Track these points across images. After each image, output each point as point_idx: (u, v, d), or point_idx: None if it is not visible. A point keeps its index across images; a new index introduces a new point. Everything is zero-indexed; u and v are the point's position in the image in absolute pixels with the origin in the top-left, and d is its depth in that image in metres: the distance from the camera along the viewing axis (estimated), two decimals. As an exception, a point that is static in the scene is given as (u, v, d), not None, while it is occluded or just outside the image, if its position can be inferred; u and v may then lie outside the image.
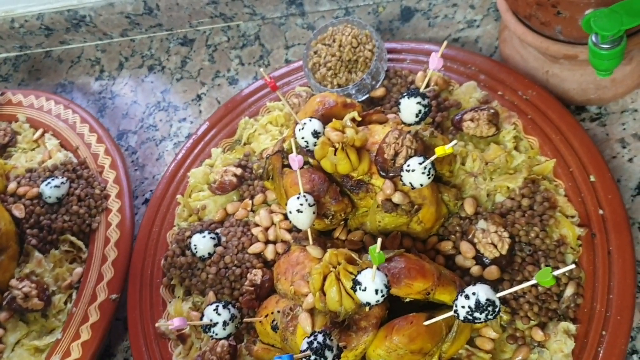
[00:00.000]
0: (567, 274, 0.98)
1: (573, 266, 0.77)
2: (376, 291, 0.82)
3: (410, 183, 0.94)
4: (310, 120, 1.00)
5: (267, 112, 1.31)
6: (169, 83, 1.60)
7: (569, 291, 0.97)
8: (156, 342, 1.13)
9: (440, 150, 0.84)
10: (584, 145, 1.08)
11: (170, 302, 1.17)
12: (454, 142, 0.85)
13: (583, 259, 1.01)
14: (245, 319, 0.90)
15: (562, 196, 1.05)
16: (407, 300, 0.94)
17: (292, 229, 1.12)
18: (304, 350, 0.80)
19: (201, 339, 1.10)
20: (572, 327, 0.95)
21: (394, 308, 0.93)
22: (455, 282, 0.94)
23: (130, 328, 1.17)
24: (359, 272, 0.85)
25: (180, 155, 1.32)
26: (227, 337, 0.89)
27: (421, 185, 0.94)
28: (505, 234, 0.99)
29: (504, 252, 0.98)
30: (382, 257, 0.76)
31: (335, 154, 0.96)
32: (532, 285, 0.96)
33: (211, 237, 1.12)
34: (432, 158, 0.91)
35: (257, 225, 1.15)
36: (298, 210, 0.95)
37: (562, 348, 0.93)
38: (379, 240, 0.75)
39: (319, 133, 1.00)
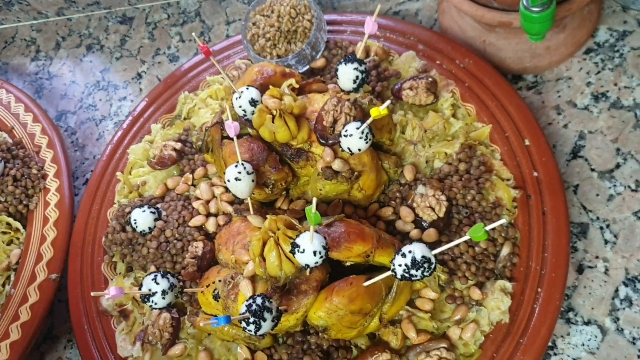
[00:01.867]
0: (503, 234, 1.00)
1: (504, 221, 0.78)
2: (314, 253, 0.82)
3: (349, 148, 0.95)
4: (247, 88, 1.00)
5: (207, 86, 1.30)
6: (108, 62, 1.56)
7: (505, 251, 0.99)
8: (98, 320, 1.12)
9: (375, 112, 0.84)
10: (519, 110, 1.10)
11: (112, 279, 1.15)
12: (388, 102, 0.85)
13: (518, 219, 1.03)
14: (186, 289, 0.89)
15: (497, 160, 1.07)
16: (348, 264, 0.95)
17: (234, 202, 1.11)
18: (243, 313, 0.80)
19: (144, 313, 1.09)
20: (509, 285, 0.97)
21: (335, 273, 0.94)
22: (394, 245, 0.95)
23: (71, 307, 1.15)
24: (297, 236, 0.85)
25: (120, 132, 1.30)
26: (166, 307, 0.88)
27: (359, 150, 0.94)
28: (443, 198, 1.01)
29: (441, 215, 1.00)
30: (318, 218, 0.76)
31: (273, 122, 0.95)
32: (470, 246, 0.98)
33: (151, 212, 1.10)
34: (369, 121, 0.91)
35: (197, 198, 1.13)
36: (236, 179, 0.94)
37: (499, 305, 0.96)
38: (314, 199, 0.75)
39: (257, 101, 0.99)
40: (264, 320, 0.80)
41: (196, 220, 1.09)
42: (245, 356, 0.99)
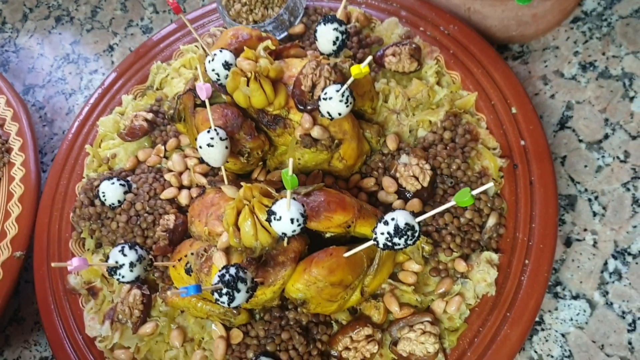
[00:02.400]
0: (489, 204, 0.96)
1: (491, 184, 0.74)
2: (292, 220, 0.77)
3: (329, 113, 0.90)
4: (220, 51, 0.94)
5: (181, 56, 1.24)
6: (78, 34, 1.49)
7: (491, 221, 0.95)
8: (66, 299, 1.06)
9: (355, 69, 0.79)
10: (505, 78, 1.06)
11: (80, 256, 1.09)
12: (369, 58, 0.80)
13: (505, 189, 0.99)
14: (156, 263, 0.84)
15: (483, 129, 1.03)
16: (328, 235, 0.90)
17: (208, 174, 1.06)
18: (216, 284, 0.75)
19: (113, 291, 1.03)
20: (495, 257, 0.93)
21: (314, 246, 0.89)
22: (376, 216, 0.90)
23: (37, 286, 1.09)
24: (274, 204, 0.80)
25: (89, 105, 1.24)
26: (135, 281, 0.83)
27: (340, 114, 0.89)
28: (427, 167, 0.96)
29: (425, 185, 0.95)
30: (295, 181, 0.71)
31: (248, 85, 0.90)
32: (454, 217, 0.94)
33: (120, 184, 1.04)
34: (349, 81, 0.86)
35: (170, 170, 1.08)
36: (209, 145, 0.89)
37: (485, 277, 0.92)
38: (290, 160, 0.69)
39: (231, 64, 0.94)
40: (238, 291, 0.75)
41: (168, 193, 1.04)
42: (220, 333, 0.94)
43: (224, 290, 0.74)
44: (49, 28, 1.52)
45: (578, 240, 1.03)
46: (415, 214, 0.79)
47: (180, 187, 1.05)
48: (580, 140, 1.10)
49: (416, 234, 0.78)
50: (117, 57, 1.43)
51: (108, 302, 1.03)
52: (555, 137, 1.12)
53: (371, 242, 0.81)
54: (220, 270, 0.76)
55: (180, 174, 1.06)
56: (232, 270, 0.76)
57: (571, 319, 0.98)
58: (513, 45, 1.22)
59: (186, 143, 1.10)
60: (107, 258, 0.85)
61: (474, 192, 0.72)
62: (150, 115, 1.12)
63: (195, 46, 1.22)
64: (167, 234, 0.97)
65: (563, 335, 0.98)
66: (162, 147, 1.11)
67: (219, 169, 1.06)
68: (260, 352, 0.90)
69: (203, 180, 1.04)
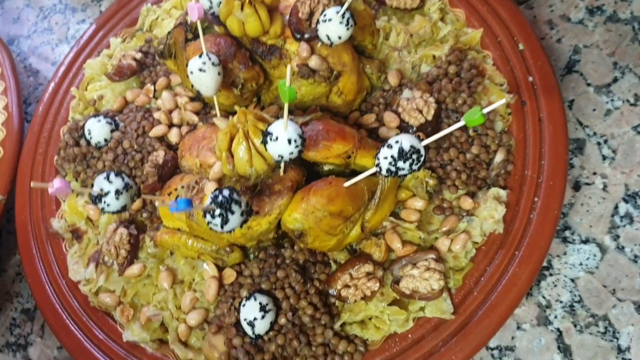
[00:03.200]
0: (496, 140, 0.91)
1: (504, 101, 0.69)
2: (289, 141, 0.72)
3: (328, 36, 0.84)
4: (213, -25, 0.89)
5: (171, -3, 1.18)
6: (66, -16, 1.44)
7: (499, 157, 0.90)
8: (48, 243, 1.01)
9: (358, -20, 0.74)
10: (511, 14, 1.01)
11: (64, 200, 1.04)
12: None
13: (513, 126, 0.94)
14: (144, 196, 0.78)
15: (490, 65, 0.98)
16: (327, 169, 0.85)
17: (200, 112, 1.00)
18: (209, 205, 0.70)
19: (98, 233, 0.98)
20: (503, 193, 0.89)
21: (312, 181, 0.84)
22: (377, 147, 0.85)
23: (18, 231, 1.04)
24: (269, 126, 0.75)
25: (76, 48, 1.18)
26: (121, 210, 0.77)
27: (339, 38, 0.84)
28: (431, 99, 0.91)
29: (429, 118, 0.90)
30: (293, 92, 0.65)
31: (242, 10, 0.85)
32: (460, 152, 0.90)
33: (107, 122, 0.99)
34: (350, 0, 0.81)
35: (159, 109, 1.02)
36: (200, 70, 0.83)
37: (493, 214, 0.87)
38: (288, 67, 0.64)
39: (224, -11, 0.88)
40: (232, 213, 0.70)
41: (157, 130, 0.98)
42: (212, 273, 0.89)
43: (217, 212, 0.69)
44: (35, -22, 1.46)
45: (587, 184, 0.99)
46: (420, 138, 0.74)
47: (170, 126, 1.00)
48: (589, 84, 1.06)
49: (421, 158, 0.73)
50: (106, 7, 1.37)
51: (93, 245, 0.98)
52: (563, 81, 1.07)
53: (374, 169, 0.76)
54: (212, 192, 0.71)
55: (170, 112, 1.01)
56: (226, 192, 0.70)
57: (581, 264, 0.94)
58: (518, -11, 1.17)
59: (177, 82, 1.05)
60: (91, 186, 0.79)
61: (485, 110, 0.68)
62: (139, 55, 1.07)
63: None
64: (156, 170, 0.92)
65: (572, 280, 0.93)
66: (152, 87, 1.06)
67: (211, 107, 1.01)
68: (255, 289, 0.85)
69: (194, 118, 0.98)
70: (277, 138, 0.72)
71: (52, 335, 1.07)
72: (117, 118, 1.01)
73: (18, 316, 1.10)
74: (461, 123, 0.70)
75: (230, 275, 0.88)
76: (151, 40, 1.11)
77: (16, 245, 1.13)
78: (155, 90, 1.05)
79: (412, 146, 0.72)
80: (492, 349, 0.92)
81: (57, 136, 1.09)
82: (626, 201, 0.96)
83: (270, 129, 0.73)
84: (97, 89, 1.10)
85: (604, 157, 1.00)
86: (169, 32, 0.98)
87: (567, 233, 0.96)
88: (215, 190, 0.71)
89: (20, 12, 1.41)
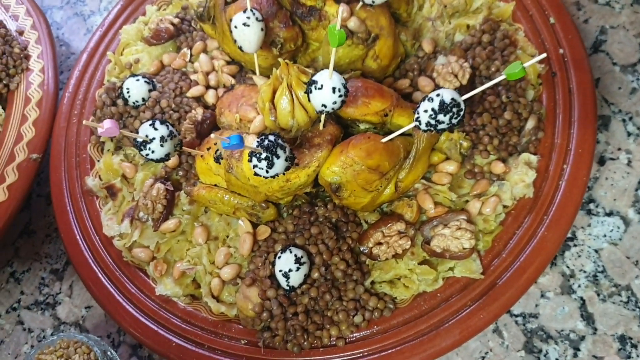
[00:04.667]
0: (527, 108, 0.93)
1: (544, 55, 0.71)
2: (333, 90, 0.74)
3: (370, -7, 0.87)
4: (258, -64, 0.91)
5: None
6: (99, -44, 1.46)
7: (530, 124, 0.92)
8: (82, 200, 1.02)
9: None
10: (543, -12, 1.03)
11: (99, 160, 1.05)
12: None
13: (543, 96, 0.96)
14: (185, 148, 0.80)
15: (522, 37, 1.00)
16: (363, 127, 0.87)
17: (237, 75, 1.03)
18: (256, 148, 0.72)
19: (134, 189, 0.99)
20: (534, 159, 0.90)
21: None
22: (413, 108, 0.87)
23: (53, 189, 1.05)
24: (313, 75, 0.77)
25: (112, 14, 1.20)
26: (164, 158, 0.79)
27: (383, -6, 0.86)
28: (466, 65, 0.93)
29: (464, 82, 0.92)
30: (343, 35, 0.67)
31: (285, -32, 0.87)
32: (493, 117, 0.91)
33: (145, 82, 1.01)
34: None
35: (196, 72, 1.04)
36: (244, 24, 0.85)
37: (524, 178, 0.89)
38: (340, 9, 0.66)
39: (267, -50, 0.91)
40: (277, 157, 0.72)
41: (195, 90, 1.00)
42: (247, 230, 0.91)
43: (263, 155, 0.71)
44: (67, -49, 1.49)
45: (612, 159, 1.00)
46: (460, 93, 0.76)
47: (207, 87, 1.02)
48: (614, 64, 1.08)
49: (461, 112, 0.75)
50: (139, -20, 1.39)
51: (127, 203, 0.99)
52: (589, 59, 1.09)
53: (413, 124, 0.78)
54: (259, 137, 0.73)
55: (208, 74, 1.03)
56: (272, 137, 0.72)
57: (604, 235, 0.96)
58: (546, -29, 1.19)
59: (213, 47, 1.07)
60: (135, 139, 0.81)
61: (526, 65, 0.70)
62: (176, 20, 1.09)
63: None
64: (194, 127, 0.94)
65: (596, 251, 0.95)
66: (188, 52, 1.07)
67: (247, 71, 1.03)
68: (289, 244, 0.87)
69: (232, 80, 1.01)
70: (321, 86, 0.74)
71: (80, 295, 1.08)
72: (154, 79, 1.03)
73: (47, 276, 1.11)
74: (502, 77, 0.72)
75: (264, 231, 0.90)
76: (187, 7, 1.14)
77: (46, 208, 1.15)
78: (191, 54, 1.07)
79: (453, 99, 0.74)
80: (517, 316, 0.93)
81: (93, 99, 1.11)
82: (651, 175, 0.98)
83: (315, 77, 0.75)
84: (133, 53, 1.12)
85: (629, 134, 1.02)
86: (208, -5, 1.00)
87: (592, 206, 0.98)
88: (261, 134, 0.73)
89: (53, -16, 1.44)
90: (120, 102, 1.03)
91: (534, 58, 0.71)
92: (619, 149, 1.01)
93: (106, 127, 0.72)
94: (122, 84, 1.02)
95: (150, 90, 1.01)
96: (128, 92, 1.00)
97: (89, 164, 1.05)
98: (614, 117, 1.04)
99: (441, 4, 1.02)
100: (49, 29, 1.21)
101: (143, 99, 1.00)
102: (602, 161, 1.01)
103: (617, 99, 1.05)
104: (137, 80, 1.00)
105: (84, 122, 0.70)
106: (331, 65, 0.73)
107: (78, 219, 1.01)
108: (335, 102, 0.75)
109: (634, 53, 1.08)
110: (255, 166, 0.72)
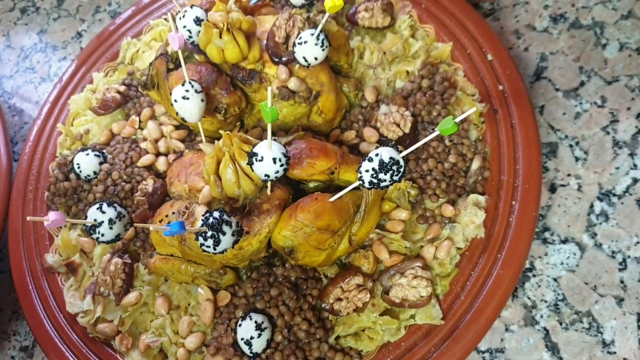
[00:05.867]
0: (472, 149, 0.95)
1: (474, 109, 0.73)
2: (274, 160, 0.75)
3: (305, 58, 0.88)
4: (191, 7, 0.92)
5: (151, 30, 1.21)
6: (45, 24, 1.46)
7: (476, 164, 0.94)
8: (44, 279, 1.02)
9: (330, 2, 0.77)
10: (478, 26, 1.06)
11: (57, 235, 1.05)
12: (343, -9, 0.79)
13: (487, 134, 0.98)
14: (137, 224, 0.81)
15: (461, 77, 1.02)
16: (312, 185, 0.88)
17: (185, 139, 1.03)
18: (200, 227, 0.72)
19: (93, 264, 0.99)
20: (482, 199, 0.92)
21: (298, 199, 0.87)
22: (359, 162, 0.88)
23: (13, 268, 1.05)
24: (254, 147, 0.78)
25: (59, 85, 1.20)
26: (115, 239, 0.79)
27: (316, 59, 0.88)
28: (408, 113, 0.95)
29: (407, 131, 0.94)
30: (275, 113, 0.68)
31: (220, 37, 0.88)
32: (438, 162, 0.93)
33: (95, 155, 1.01)
34: (325, 18, 0.84)
35: (145, 139, 1.05)
36: (184, 97, 0.86)
37: (474, 219, 0.90)
38: (269, 89, 0.67)
39: (202, 20, 0.92)
40: (223, 234, 0.72)
41: (145, 160, 1.01)
42: (207, 296, 0.91)
43: (209, 233, 0.72)
44: (14, 20, 1.49)
45: (562, 185, 1.03)
46: (399, 150, 0.77)
47: (157, 154, 1.03)
48: (557, 89, 1.10)
49: (401, 169, 0.76)
50: (86, 43, 1.39)
51: (88, 278, 0.99)
52: (532, 87, 1.11)
53: (357, 183, 0.79)
54: (203, 215, 0.73)
55: (157, 141, 1.04)
56: (216, 214, 0.73)
57: (562, 263, 0.97)
58: (484, 3, 1.22)
59: (161, 112, 1.08)
60: (84, 217, 0.81)
61: (458, 119, 0.71)
62: (122, 88, 1.10)
63: (165, 19, 1.20)
64: (146, 199, 0.95)
65: (555, 280, 0.97)
66: (137, 118, 1.08)
67: (196, 134, 1.04)
68: (250, 309, 0.88)
69: (180, 145, 1.01)
70: (262, 158, 0.75)
71: (51, 371, 1.07)
72: (104, 151, 1.04)
73: (17, 354, 1.11)
74: (436, 133, 0.74)
75: (224, 297, 0.90)
76: (133, 72, 1.14)
77: (11, 284, 1.14)
78: (140, 121, 1.08)
79: (391, 157, 0.75)
80: (483, 352, 0.94)
81: (47, 172, 1.11)
82: (600, 199, 1.00)
83: (255, 149, 0.76)
84: (83, 124, 1.12)
85: (577, 159, 1.04)
86: (150, 63, 1.01)
87: (547, 234, 1.00)
88: (206, 212, 0.74)
89: (1, 53, 1.44)
90: (72, 176, 1.03)
91: (465, 112, 0.72)
92: (569, 175, 1.03)
93: (52, 219, 0.72)
94: (73, 158, 1.02)
95: (101, 163, 1.01)
96: (79, 167, 1.00)
97: (47, 240, 1.05)
98: (561, 143, 1.06)
99: (380, 51, 1.04)
100: (-2, 103, 1.21)
101: (94, 172, 1.01)
102: (553, 188, 1.03)
103: (562, 124, 1.07)
104: (87, 154, 1.01)
105: (28, 218, 0.70)
106: (269, 137, 0.74)
107: (41, 297, 1.01)
108: (277, 172, 0.76)
109: (575, 77, 1.11)
110: (202, 244, 0.73)
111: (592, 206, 1.00)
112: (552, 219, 1.01)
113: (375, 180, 0.76)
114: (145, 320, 0.95)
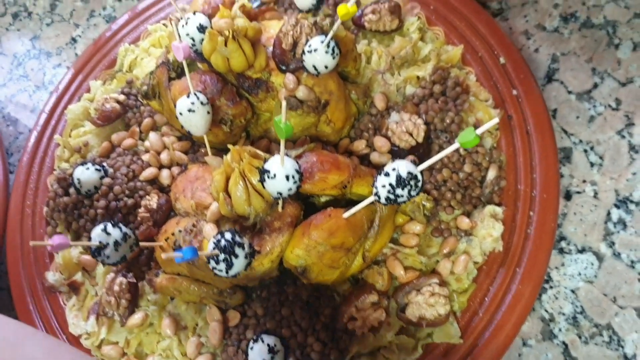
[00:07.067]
0: (487, 157, 0.92)
1: (496, 119, 0.69)
2: (287, 177, 0.71)
3: (314, 67, 0.84)
4: (194, 14, 0.88)
5: (149, 36, 1.17)
6: (38, 29, 1.42)
7: (492, 174, 0.91)
8: (45, 298, 0.98)
9: (342, 9, 0.73)
10: (490, 28, 1.02)
11: (57, 253, 1.01)
12: (355, -1, 0.75)
13: (502, 141, 0.95)
14: (142, 244, 0.77)
15: (473, 81, 0.99)
16: (324, 200, 0.85)
17: (189, 151, 1.00)
18: (212, 251, 0.69)
19: (96, 284, 0.96)
20: (499, 210, 0.89)
21: (309, 214, 0.83)
22: (372, 175, 0.85)
23: (13, 287, 1.01)
24: (265, 162, 0.74)
25: (55, 94, 1.16)
26: (121, 261, 0.76)
27: (326, 67, 0.84)
28: (420, 121, 0.92)
29: (420, 140, 0.91)
30: (290, 129, 0.65)
31: (226, 45, 0.84)
32: (453, 172, 0.90)
33: (96, 169, 0.97)
34: (337, 24, 0.80)
35: (147, 151, 1.01)
36: (189, 110, 0.82)
37: (491, 232, 0.87)
38: (283, 104, 0.64)
39: (205, 27, 0.88)
40: (236, 256, 0.69)
41: (147, 173, 0.97)
42: (216, 317, 0.87)
43: (221, 257, 0.68)
44: (6, 25, 1.44)
45: (578, 192, 0.99)
46: (416, 163, 0.73)
47: (160, 167, 0.99)
48: (570, 92, 1.07)
49: (419, 184, 0.73)
50: (81, 49, 1.36)
51: (91, 297, 0.96)
52: (544, 90, 1.08)
53: (372, 198, 0.75)
54: (214, 237, 0.70)
55: (159, 153, 1.00)
56: (228, 235, 0.70)
57: (579, 274, 0.94)
58: (492, 3, 1.18)
59: (162, 122, 1.04)
60: (89, 238, 0.77)
61: (479, 131, 0.68)
62: (121, 97, 1.06)
63: (164, 24, 1.16)
64: (150, 215, 0.91)
65: (573, 292, 0.94)
66: (137, 129, 1.04)
67: (200, 145, 1.00)
68: (261, 330, 0.84)
69: (184, 157, 0.97)
70: (274, 175, 0.71)
71: (53, 390, 1.04)
72: (105, 164, 1.00)
73: (17, 373, 1.07)
74: (456, 145, 0.70)
75: (234, 317, 0.87)
76: (132, 80, 1.10)
77: (10, 301, 1.10)
78: (141, 132, 1.04)
79: (409, 172, 0.71)
80: (501, 367, 0.91)
81: (45, 186, 1.07)
82: (618, 207, 0.97)
83: (266, 166, 0.73)
84: (81, 135, 1.08)
85: (592, 164, 1.01)
86: (151, 72, 0.97)
87: (563, 244, 0.97)
88: (217, 234, 0.70)
89: (-7, 61, 1.39)
90: (72, 191, 0.99)
91: (487, 124, 0.69)
92: (584, 181, 1.00)
93: (56, 243, 0.69)
94: (72, 173, 0.98)
95: (102, 177, 0.97)
96: (79, 183, 0.96)
97: (47, 258, 1.01)
98: (575, 148, 1.03)
99: (389, 55, 1.00)
100: (-8, 115, 1.17)
101: (95, 187, 0.97)
102: (568, 196, 1.00)
103: (576, 128, 1.04)
104: (87, 168, 0.96)
105: (31, 243, 0.67)
106: (282, 154, 0.70)
107: (42, 318, 0.97)
108: (290, 189, 0.72)
109: (587, 79, 1.07)
110: (214, 268, 0.70)
111: (609, 214, 0.97)
112: (568, 227, 0.97)
113: (392, 197, 0.72)
114: (151, 342, 0.91)
